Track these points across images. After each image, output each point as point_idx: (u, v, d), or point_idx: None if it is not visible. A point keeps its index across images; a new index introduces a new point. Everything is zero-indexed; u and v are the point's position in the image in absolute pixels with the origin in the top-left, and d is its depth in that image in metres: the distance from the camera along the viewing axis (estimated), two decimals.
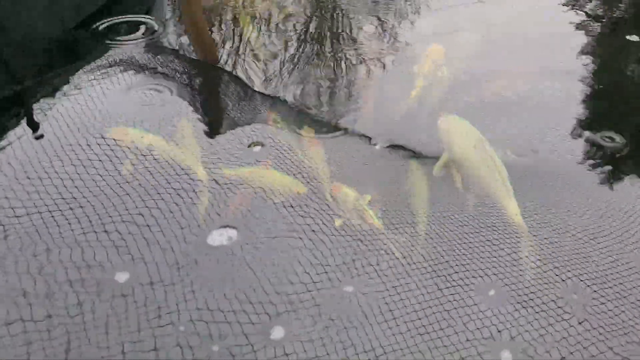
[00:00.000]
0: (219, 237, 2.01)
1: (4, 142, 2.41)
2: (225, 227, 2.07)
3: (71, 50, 3.05)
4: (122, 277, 1.87)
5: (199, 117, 2.66)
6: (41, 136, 2.44)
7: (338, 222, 2.14)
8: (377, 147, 2.54)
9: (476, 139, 2.48)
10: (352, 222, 2.14)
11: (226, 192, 2.23)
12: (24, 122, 2.54)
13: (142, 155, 2.35)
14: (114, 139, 2.40)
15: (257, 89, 2.93)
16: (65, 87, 2.79)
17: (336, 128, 2.67)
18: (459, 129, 2.57)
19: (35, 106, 2.65)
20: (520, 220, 2.19)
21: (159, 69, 2.99)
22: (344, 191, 2.26)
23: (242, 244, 2.02)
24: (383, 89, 3.00)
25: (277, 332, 1.75)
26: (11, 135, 2.45)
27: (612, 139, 2.69)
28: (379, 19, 3.68)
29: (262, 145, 2.49)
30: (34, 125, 2.51)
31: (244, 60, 3.16)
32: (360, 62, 3.19)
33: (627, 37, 3.57)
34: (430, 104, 2.87)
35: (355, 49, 3.31)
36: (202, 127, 2.59)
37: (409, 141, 2.58)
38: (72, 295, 1.80)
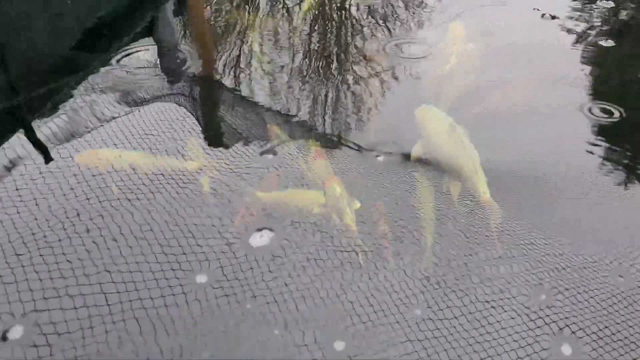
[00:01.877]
0: (260, 239, 2.10)
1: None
2: (263, 229, 2.15)
3: (73, 69, 3.05)
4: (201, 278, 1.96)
5: (206, 132, 2.72)
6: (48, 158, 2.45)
7: (316, 210, 2.28)
8: (380, 159, 2.65)
9: (448, 124, 2.72)
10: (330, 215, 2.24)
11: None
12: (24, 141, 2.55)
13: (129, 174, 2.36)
14: (85, 166, 2.37)
15: (262, 103, 3.01)
16: (67, 106, 2.79)
17: (341, 140, 2.78)
18: (432, 116, 2.82)
19: (34, 125, 2.65)
20: (489, 198, 2.38)
21: (162, 86, 3.04)
22: (333, 186, 2.36)
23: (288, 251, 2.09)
24: (387, 102, 3.11)
25: (339, 345, 1.82)
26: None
27: (620, 147, 2.80)
28: (383, 31, 3.76)
29: (274, 153, 2.59)
30: (39, 146, 2.51)
31: (249, 75, 3.23)
32: (364, 76, 3.28)
33: (630, 46, 3.76)
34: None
35: (359, 63, 3.40)
36: (211, 141, 2.65)
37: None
38: None
